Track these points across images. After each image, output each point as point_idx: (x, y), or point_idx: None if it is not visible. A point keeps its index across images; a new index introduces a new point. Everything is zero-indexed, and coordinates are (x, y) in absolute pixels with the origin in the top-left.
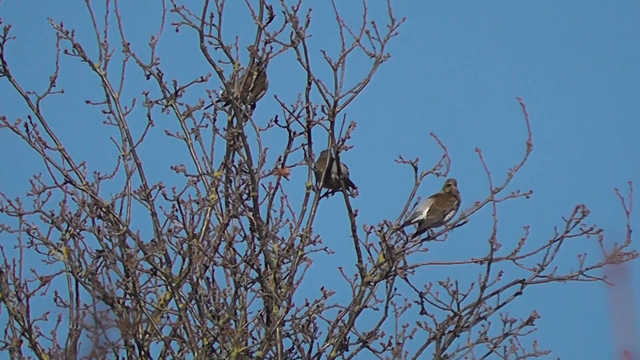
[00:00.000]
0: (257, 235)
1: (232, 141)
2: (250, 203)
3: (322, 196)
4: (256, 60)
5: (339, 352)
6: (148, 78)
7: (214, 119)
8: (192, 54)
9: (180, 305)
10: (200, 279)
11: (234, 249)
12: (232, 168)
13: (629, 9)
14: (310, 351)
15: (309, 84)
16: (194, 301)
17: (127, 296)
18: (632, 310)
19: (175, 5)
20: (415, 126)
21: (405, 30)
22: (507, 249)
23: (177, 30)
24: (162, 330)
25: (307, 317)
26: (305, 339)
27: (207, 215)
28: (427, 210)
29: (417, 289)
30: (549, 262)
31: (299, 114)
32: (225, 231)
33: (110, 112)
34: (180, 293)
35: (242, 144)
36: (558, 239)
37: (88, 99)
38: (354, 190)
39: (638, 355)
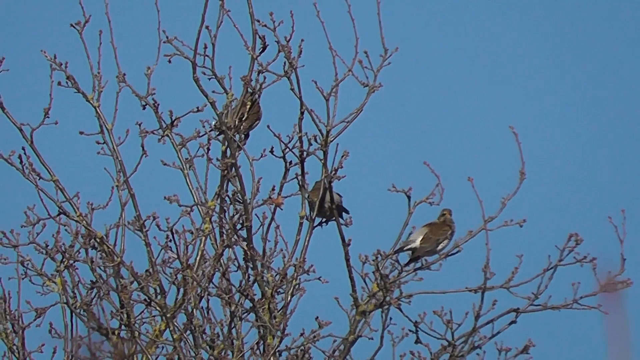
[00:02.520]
0: (251, 265)
1: (225, 171)
2: (244, 233)
3: (316, 226)
4: (249, 90)
5: None
6: (144, 108)
7: (208, 149)
8: (187, 84)
9: (175, 336)
10: (194, 309)
11: (227, 279)
12: (226, 198)
13: (620, 39)
14: None
15: (302, 113)
16: (188, 331)
17: (122, 327)
18: (627, 337)
19: (167, 37)
20: (408, 155)
21: (398, 59)
22: (501, 278)
23: (169, 62)
24: None
25: (302, 348)
26: None
27: (202, 245)
28: (420, 238)
29: (411, 318)
30: (543, 291)
31: (294, 146)
32: (220, 261)
33: (103, 143)
34: (175, 323)
35: (235, 174)
36: (552, 268)
37: (82, 129)
38: (348, 218)
39: None
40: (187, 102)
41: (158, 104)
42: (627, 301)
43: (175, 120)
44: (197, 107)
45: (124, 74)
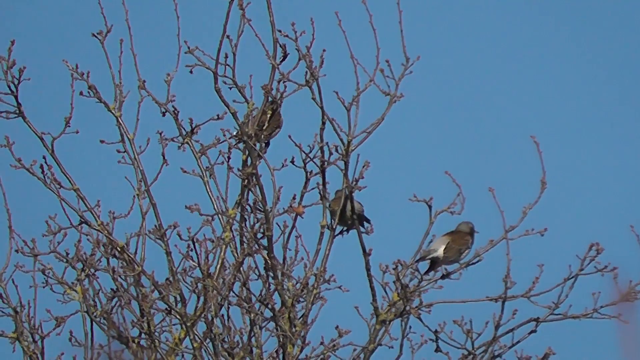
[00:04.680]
0: (272, 274)
1: (246, 180)
2: (264, 242)
3: (337, 234)
4: (270, 99)
5: None
6: (164, 115)
7: (229, 157)
8: (207, 91)
9: (195, 344)
10: (214, 318)
11: (248, 289)
12: (247, 207)
13: None
14: None
15: (323, 123)
16: (208, 340)
17: (142, 335)
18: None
19: (189, 47)
20: (429, 164)
21: (419, 68)
22: (521, 287)
23: (191, 72)
24: None
25: (322, 356)
26: None
27: (222, 254)
28: (443, 247)
29: (431, 327)
30: (564, 300)
31: (314, 155)
32: (240, 270)
33: (124, 152)
34: (195, 332)
35: (256, 183)
36: (572, 277)
37: (102, 138)
38: (369, 227)
39: None
40: (207, 109)
41: (178, 111)
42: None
43: (195, 127)
44: (218, 115)
45: (144, 81)
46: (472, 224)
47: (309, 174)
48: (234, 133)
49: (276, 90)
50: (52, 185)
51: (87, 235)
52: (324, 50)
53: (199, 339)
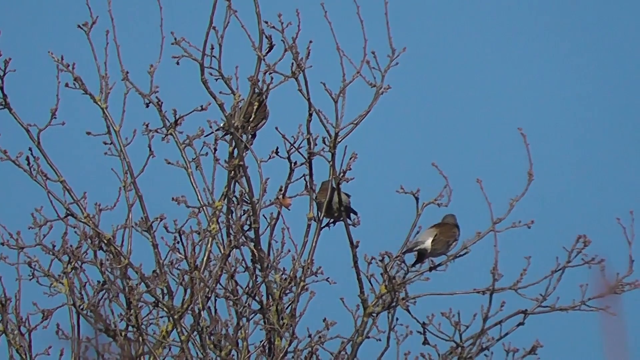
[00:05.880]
0: (259, 267)
1: (232, 172)
2: (251, 234)
3: (324, 226)
4: (256, 91)
5: None
6: (147, 106)
7: (215, 149)
8: (191, 82)
9: (182, 337)
10: (202, 310)
11: (235, 281)
12: (233, 199)
13: (631, 40)
14: None
15: (310, 115)
16: (195, 332)
17: (129, 328)
18: (624, 338)
19: (175, 39)
20: (416, 156)
21: (405, 60)
22: (509, 279)
23: (177, 63)
24: None
25: (310, 349)
26: None
27: (209, 246)
28: (430, 240)
29: (419, 319)
30: (551, 292)
31: (299, 145)
32: (227, 262)
33: (110, 143)
34: (182, 324)
35: (242, 174)
36: (560, 269)
37: (88, 130)
38: (356, 218)
39: None
40: (191, 100)
41: (162, 102)
42: (624, 303)
43: (179, 118)
44: (202, 106)
45: (127, 72)
46: (455, 216)
47: (293, 164)
48: (221, 125)
49: (262, 81)
50: (38, 177)
51: (73, 227)
52: (310, 42)
53: (186, 331)
